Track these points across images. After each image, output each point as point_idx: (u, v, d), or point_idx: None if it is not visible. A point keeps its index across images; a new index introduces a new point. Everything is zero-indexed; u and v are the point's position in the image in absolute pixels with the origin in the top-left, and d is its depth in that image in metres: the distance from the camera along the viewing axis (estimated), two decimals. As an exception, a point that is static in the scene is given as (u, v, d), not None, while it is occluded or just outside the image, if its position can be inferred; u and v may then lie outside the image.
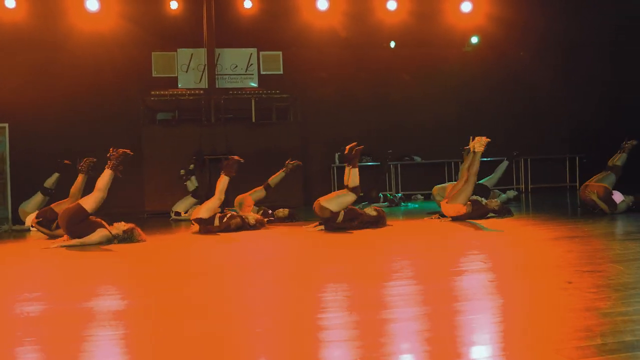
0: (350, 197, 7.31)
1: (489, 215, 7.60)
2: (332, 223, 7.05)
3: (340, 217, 7.06)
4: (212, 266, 4.83)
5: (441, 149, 13.48)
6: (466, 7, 13.56)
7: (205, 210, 7.47)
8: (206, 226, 7.31)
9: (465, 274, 3.96)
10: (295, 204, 11.44)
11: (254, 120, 11.78)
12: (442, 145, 13.47)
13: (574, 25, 13.70)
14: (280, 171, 9.49)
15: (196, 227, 7.38)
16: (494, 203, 7.81)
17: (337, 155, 13.14)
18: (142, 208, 11.33)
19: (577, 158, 13.84)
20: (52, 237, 7.46)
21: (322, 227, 7.25)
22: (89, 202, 6.37)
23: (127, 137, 12.48)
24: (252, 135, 11.57)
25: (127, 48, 12.67)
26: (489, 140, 8.04)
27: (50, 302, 3.56)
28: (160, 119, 12.35)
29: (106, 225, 6.42)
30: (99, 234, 6.32)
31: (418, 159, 13.54)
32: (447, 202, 7.71)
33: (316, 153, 13.02)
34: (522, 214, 8.04)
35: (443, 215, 7.85)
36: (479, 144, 7.99)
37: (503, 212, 7.70)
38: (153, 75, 13.00)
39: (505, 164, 10.23)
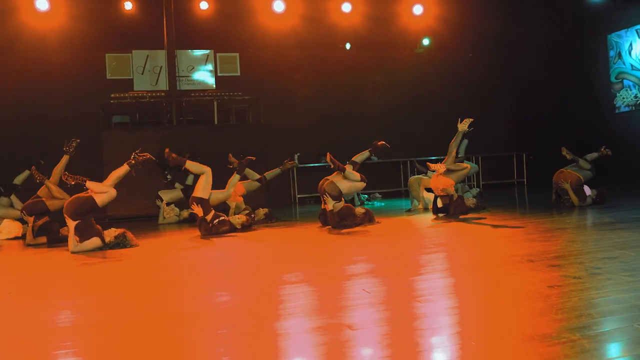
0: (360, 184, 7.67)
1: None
2: (331, 222, 7.24)
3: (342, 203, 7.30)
4: (183, 273, 4.74)
5: (396, 148, 13.73)
6: (417, 9, 13.96)
7: (213, 199, 7.61)
8: (202, 224, 7.33)
9: (496, 267, 4.16)
10: (259, 205, 11.48)
11: (216, 122, 11.70)
12: (397, 144, 13.76)
13: (518, 27, 14.35)
14: (277, 168, 9.64)
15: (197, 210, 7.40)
16: (471, 201, 8.14)
17: (296, 156, 13.22)
18: (103, 213, 11.04)
19: (523, 155, 14.47)
20: (33, 244, 7.23)
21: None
22: (102, 198, 6.20)
23: (85, 140, 12.16)
24: (215, 137, 11.47)
25: (79, 49, 12.34)
26: (472, 120, 8.44)
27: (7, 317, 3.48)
28: (117, 122, 12.08)
29: (102, 234, 6.27)
30: (92, 243, 6.15)
31: (375, 158, 13.75)
32: (442, 175, 7.99)
33: (275, 154, 13.02)
34: (494, 210, 8.33)
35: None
36: (462, 124, 8.42)
37: (479, 208, 8.05)
38: (107, 77, 12.71)
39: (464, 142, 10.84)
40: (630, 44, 11.75)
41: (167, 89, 11.63)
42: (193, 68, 13.10)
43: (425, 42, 14.42)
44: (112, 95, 11.32)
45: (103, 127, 11.40)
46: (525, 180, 14.44)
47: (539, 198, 10.48)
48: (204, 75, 13.20)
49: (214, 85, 13.15)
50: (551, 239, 5.26)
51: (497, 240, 5.43)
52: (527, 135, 14.60)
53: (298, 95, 13.60)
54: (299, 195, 13.22)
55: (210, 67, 13.24)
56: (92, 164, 11.79)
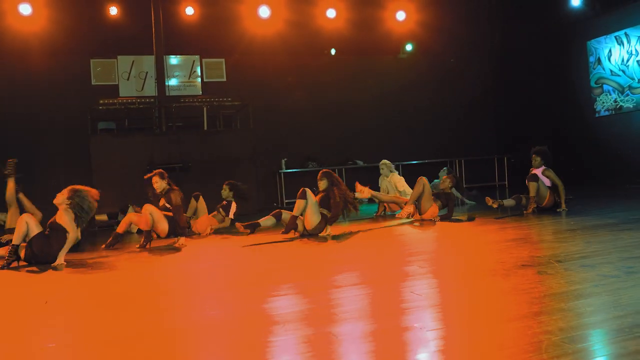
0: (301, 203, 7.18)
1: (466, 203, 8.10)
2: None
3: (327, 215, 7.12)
4: (178, 286, 4.70)
5: (382, 152, 13.90)
6: (400, 15, 14.15)
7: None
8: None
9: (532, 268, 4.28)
10: (250, 210, 11.52)
11: (205, 128, 11.66)
12: (383, 148, 13.94)
13: (499, 32, 14.68)
14: None
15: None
16: (445, 183, 8.19)
17: (283, 162, 13.25)
18: (92, 220, 10.89)
19: (505, 158, 14.76)
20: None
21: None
22: (32, 224, 6.00)
23: (72, 147, 12.01)
24: (205, 143, 11.44)
25: (63, 55, 12.17)
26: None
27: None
28: (103, 128, 11.92)
29: (66, 230, 5.93)
30: (69, 243, 5.87)
31: (361, 162, 13.90)
32: (421, 216, 8.07)
33: (262, 160, 12.98)
34: (491, 213, 8.45)
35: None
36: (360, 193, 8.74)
37: (463, 192, 8.22)
38: (92, 83, 12.55)
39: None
40: (610, 50, 12.10)
41: (156, 94, 11.52)
42: (179, 74, 13.04)
43: (408, 47, 14.63)
44: (101, 101, 11.19)
45: (91, 133, 11.26)
46: (506, 183, 14.72)
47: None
48: (190, 81, 13.14)
49: (200, 91, 13.11)
50: (566, 240, 5.42)
51: (513, 242, 5.54)
52: (508, 138, 14.90)
53: (284, 100, 13.61)
54: (286, 201, 13.23)
55: (196, 72, 13.20)
56: (80, 172, 11.62)
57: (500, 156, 14.80)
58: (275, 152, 13.27)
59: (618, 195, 9.96)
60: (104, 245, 7.05)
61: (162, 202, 7.53)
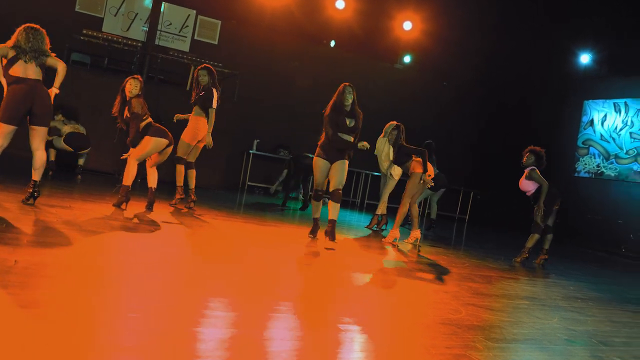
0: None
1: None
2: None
3: None
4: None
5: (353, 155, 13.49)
6: (407, 25, 13.76)
7: None
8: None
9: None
10: (216, 185, 10.94)
11: (188, 87, 10.91)
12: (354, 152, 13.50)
13: (497, 70, 14.50)
14: None
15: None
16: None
17: (255, 142, 12.63)
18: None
19: (471, 193, 14.61)
20: None
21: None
22: None
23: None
24: (182, 103, 10.66)
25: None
26: None
27: None
28: (76, 60, 10.96)
29: None
30: None
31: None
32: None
33: (235, 136, 12.30)
34: (467, 250, 8.16)
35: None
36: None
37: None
38: (76, 9, 11.56)
39: None
40: (605, 115, 12.08)
41: (144, 40, 10.70)
42: (170, 24, 12.18)
43: (407, 59, 14.28)
44: (84, 30, 10.27)
45: (66, 62, 10.29)
46: (467, 217, 14.59)
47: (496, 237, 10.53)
48: (180, 35, 12.32)
49: (188, 48, 12.31)
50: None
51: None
52: (479, 174, 14.74)
53: (269, 80, 12.97)
54: (249, 183, 12.63)
55: (188, 27, 12.38)
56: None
57: (468, 190, 14.64)
58: (248, 130, 12.59)
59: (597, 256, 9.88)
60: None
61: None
